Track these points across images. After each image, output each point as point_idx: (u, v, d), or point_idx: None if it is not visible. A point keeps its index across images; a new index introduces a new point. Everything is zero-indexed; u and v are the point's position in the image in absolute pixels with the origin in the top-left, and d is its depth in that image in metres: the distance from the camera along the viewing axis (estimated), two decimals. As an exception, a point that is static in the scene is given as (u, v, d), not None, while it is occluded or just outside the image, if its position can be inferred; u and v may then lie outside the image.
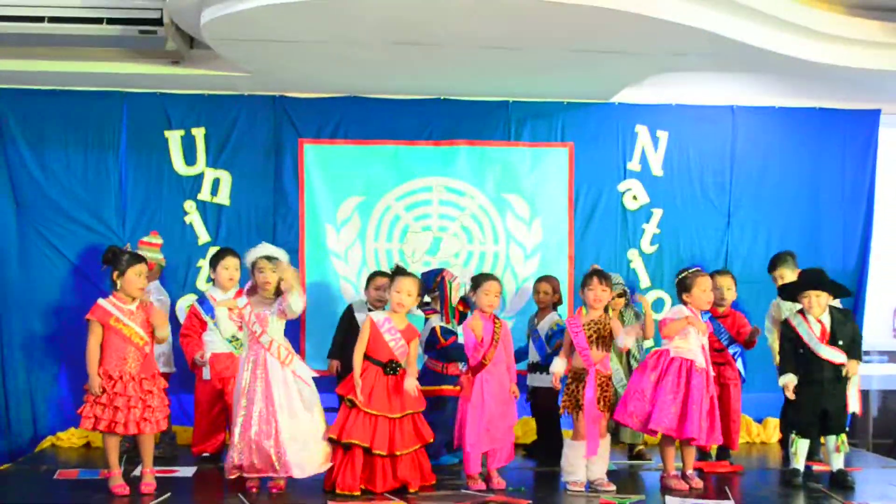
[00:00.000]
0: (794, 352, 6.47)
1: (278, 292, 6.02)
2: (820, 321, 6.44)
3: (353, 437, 5.91)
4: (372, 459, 5.97)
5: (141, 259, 6.07)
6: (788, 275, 7.15)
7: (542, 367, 7.05)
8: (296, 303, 5.90)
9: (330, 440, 5.97)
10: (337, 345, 7.36)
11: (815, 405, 6.40)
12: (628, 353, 7.07)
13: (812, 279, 6.50)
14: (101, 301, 5.96)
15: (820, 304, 6.42)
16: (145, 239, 7.37)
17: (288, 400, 5.92)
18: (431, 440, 6.18)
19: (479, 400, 6.22)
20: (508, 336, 6.46)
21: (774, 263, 7.40)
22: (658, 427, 6.28)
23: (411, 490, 6.02)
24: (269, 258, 6.05)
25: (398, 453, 5.98)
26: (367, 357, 6.08)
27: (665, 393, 6.27)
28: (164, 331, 6.11)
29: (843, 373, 6.41)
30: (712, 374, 6.39)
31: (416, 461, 6.12)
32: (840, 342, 6.41)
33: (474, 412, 6.20)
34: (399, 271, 6.30)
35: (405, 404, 6.05)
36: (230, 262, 6.99)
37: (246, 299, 6.09)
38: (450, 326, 6.83)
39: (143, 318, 5.99)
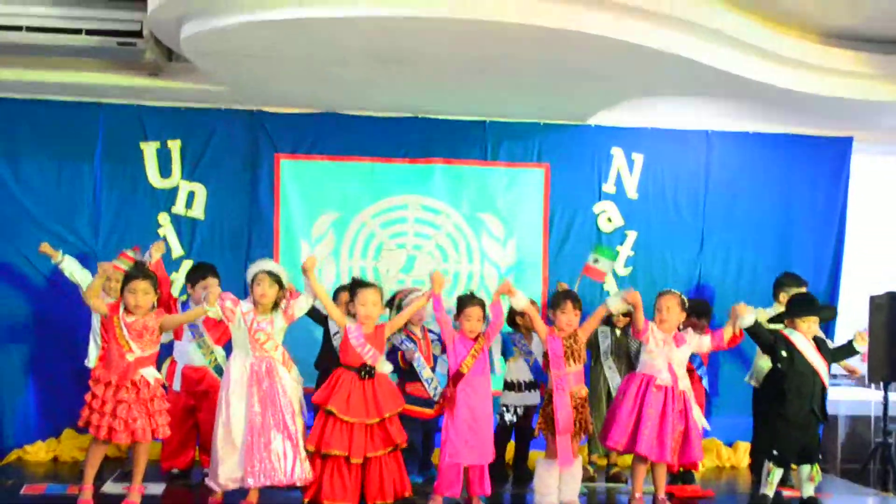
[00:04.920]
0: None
1: (275, 306, 6.07)
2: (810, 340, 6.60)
3: (332, 447, 5.91)
4: (350, 468, 5.95)
5: (133, 277, 6.02)
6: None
7: (536, 385, 7.09)
8: (304, 302, 6.11)
9: (309, 451, 5.97)
10: (324, 358, 7.20)
11: (800, 438, 6.49)
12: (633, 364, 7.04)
13: (802, 306, 6.65)
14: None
15: (811, 329, 6.59)
16: (128, 253, 7.23)
17: (297, 406, 6.02)
18: (403, 444, 6.15)
19: (462, 409, 6.14)
20: (487, 348, 6.33)
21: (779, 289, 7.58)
22: (612, 443, 6.38)
23: (385, 501, 6.01)
24: (269, 273, 6.05)
25: (369, 455, 5.97)
26: (341, 364, 6.09)
27: (623, 409, 6.36)
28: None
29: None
30: (681, 389, 6.38)
31: (389, 468, 6.09)
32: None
33: (457, 422, 6.12)
34: (359, 283, 6.31)
35: (382, 408, 6.04)
36: (212, 282, 6.75)
37: (251, 306, 6.06)
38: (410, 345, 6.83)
39: (141, 329, 5.93)
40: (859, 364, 8.15)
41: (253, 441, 5.82)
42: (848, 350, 6.78)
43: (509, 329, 7.10)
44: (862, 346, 6.73)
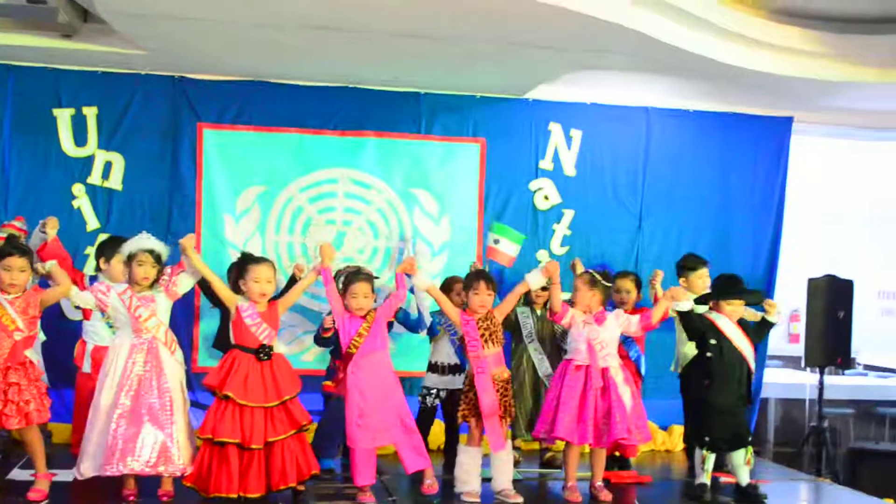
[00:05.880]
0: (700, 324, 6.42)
1: (153, 283, 5.77)
2: (735, 323, 6.45)
3: (225, 434, 5.55)
4: (245, 455, 5.61)
5: (7, 254, 5.61)
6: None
7: (461, 369, 6.79)
8: (186, 279, 5.79)
9: (202, 439, 5.64)
10: (223, 337, 6.91)
11: (729, 424, 6.32)
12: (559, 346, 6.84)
13: (727, 288, 6.44)
14: None
15: (736, 311, 6.42)
16: (14, 223, 6.79)
17: (178, 391, 5.68)
18: (307, 423, 5.82)
19: (352, 392, 5.86)
20: (378, 323, 6.03)
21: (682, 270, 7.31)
22: (535, 433, 6.31)
23: (288, 485, 5.69)
24: (151, 252, 5.72)
25: (271, 440, 5.64)
26: (237, 346, 5.76)
27: (548, 397, 6.26)
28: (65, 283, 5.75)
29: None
30: (601, 365, 6.12)
31: (292, 451, 5.75)
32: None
33: (349, 406, 5.86)
34: (250, 259, 5.96)
35: (281, 391, 5.72)
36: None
37: (125, 285, 5.76)
38: None
39: (24, 306, 5.57)
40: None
41: (116, 428, 5.50)
42: (764, 325, 6.62)
43: (436, 308, 6.75)
44: (773, 315, 6.56)
